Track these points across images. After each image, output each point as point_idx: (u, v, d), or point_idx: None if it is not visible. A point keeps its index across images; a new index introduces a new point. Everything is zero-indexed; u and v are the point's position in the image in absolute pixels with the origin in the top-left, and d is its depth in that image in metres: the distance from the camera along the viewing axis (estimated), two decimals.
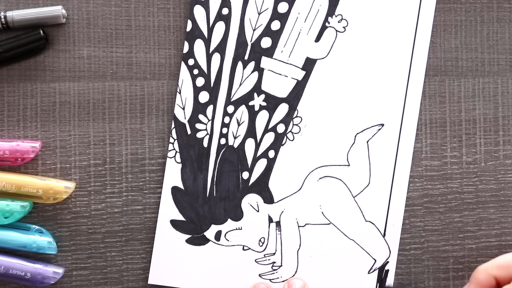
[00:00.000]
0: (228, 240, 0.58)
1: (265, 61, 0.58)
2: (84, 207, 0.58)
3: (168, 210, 0.58)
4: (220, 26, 0.58)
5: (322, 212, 0.58)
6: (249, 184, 0.58)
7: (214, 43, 0.58)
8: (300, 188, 0.58)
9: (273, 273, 0.59)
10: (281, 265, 0.58)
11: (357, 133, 0.58)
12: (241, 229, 0.58)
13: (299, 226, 0.58)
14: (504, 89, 0.59)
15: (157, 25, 0.59)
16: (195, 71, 0.58)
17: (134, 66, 0.59)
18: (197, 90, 0.59)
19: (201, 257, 0.58)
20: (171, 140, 0.58)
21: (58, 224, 0.58)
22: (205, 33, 0.58)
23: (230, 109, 0.58)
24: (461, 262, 0.59)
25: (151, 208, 0.59)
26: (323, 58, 0.58)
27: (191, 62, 0.58)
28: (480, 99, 0.59)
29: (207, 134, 0.58)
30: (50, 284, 0.57)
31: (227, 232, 0.58)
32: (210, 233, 0.58)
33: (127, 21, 0.59)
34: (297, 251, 0.58)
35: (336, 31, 0.58)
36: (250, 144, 0.59)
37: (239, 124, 0.58)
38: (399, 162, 0.58)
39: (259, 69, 0.58)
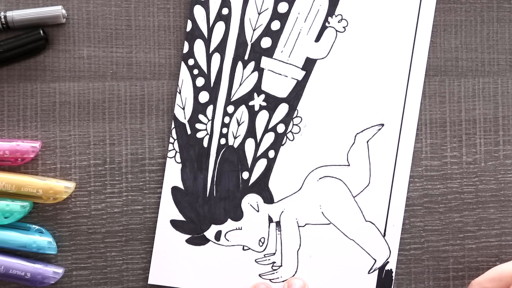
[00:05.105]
0: (228, 240, 0.58)
1: (265, 61, 0.58)
2: (84, 207, 0.58)
3: (168, 210, 0.58)
4: (220, 26, 0.58)
5: (322, 212, 0.58)
6: (249, 184, 0.58)
7: (214, 43, 0.58)
8: (300, 188, 0.58)
9: (273, 273, 0.59)
10: (281, 265, 0.58)
11: (357, 133, 0.58)
12: (241, 229, 0.58)
13: (299, 226, 0.58)
14: (504, 89, 0.59)
15: (157, 25, 0.59)
16: (195, 71, 0.58)
17: (134, 66, 0.59)
18: (197, 90, 0.59)
19: (201, 257, 0.58)
20: (171, 140, 0.58)
21: (58, 224, 0.58)
22: (205, 33, 0.58)
23: (230, 109, 0.58)
24: (461, 262, 0.59)
25: (151, 208, 0.59)
26: (323, 58, 0.58)
27: (191, 62, 0.58)
28: (480, 99, 0.59)
29: (207, 134, 0.58)
30: (50, 284, 0.57)
31: (227, 232, 0.58)
32: (210, 233, 0.58)
33: (127, 21, 0.59)
34: (297, 251, 0.58)
35: (336, 31, 0.58)
36: (250, 144, 0.59)
37: (239, 124, 0.58)
38: (399, 162, 0.58)
39: (259, 69, 0.58)
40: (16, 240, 0.56)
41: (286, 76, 0.58)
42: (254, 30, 0.58)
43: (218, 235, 0.58)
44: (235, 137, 0.58)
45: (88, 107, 0.59)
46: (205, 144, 0.58)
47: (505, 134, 0.59)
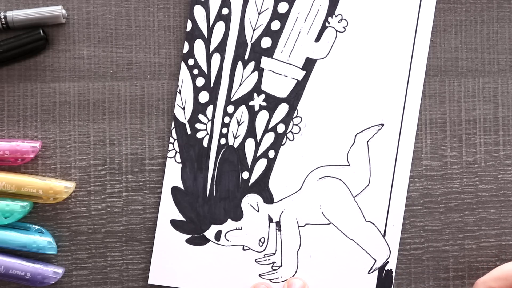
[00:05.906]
0: (228, 240, 0.58)
1: (265, 61, 0.58)
2: (84, 207, 0.58)
3: (168, 210, 0.58)
4: (220, 26, 0.58)
5: (322, 212, 0.58)
6: (249, 184, 0.58)
7: (214, 43, 0.58)
8: (300, 188, 0.58)
9: (273, 273, 0.59)
10: (281, 265, 0.58)
11: (357, 133, 0.58)
12: (241, 229, 0.58)
13: (299, 226, 0.58)
14: (504, 89, 0.59)
15: (157, 25, 0.59)
16: (195, 71, 0.58)
17: (134, 66, 0.59)
18: (197, 90, 0.59)
19: (201, 257, 0.58)
20: (171, 140, 0.58)
21: (58, 224, 0.58)
22: (205, 33, 0.58)
23: (230, 109, 0.58)
24: (461, 262, 0.59)
25: (151, 208, 0.59)
26: (323, 58, 0.58)
27: (191, 62, 0.58)
28: (480, 99, 0.59)
29: (207, 134, 0.58)
30: (50, 284, 0.57)
31: (227, 232, 0.58)
32: (210, 233, 0.58)
33: (127, 21, 0.59)
34: (297, 251, 0.58)
35: (336, 31, 0.58)
36: (250, 144, 0.59)
37: (239, 124, 0.58)
38: (399, 162, 0.58)
39: (259, 69, 0.58)
40: (16, 240, 0.56)
41: (286, 76, 0.58)
42: (254, 30, 0.58)
43: (218, 235, 0.58)
44: (235, 137, 0.58)
45: (88, 107, 0.59)
46: (205, 144, 0.58)
47: (505, 134, 0.59)
